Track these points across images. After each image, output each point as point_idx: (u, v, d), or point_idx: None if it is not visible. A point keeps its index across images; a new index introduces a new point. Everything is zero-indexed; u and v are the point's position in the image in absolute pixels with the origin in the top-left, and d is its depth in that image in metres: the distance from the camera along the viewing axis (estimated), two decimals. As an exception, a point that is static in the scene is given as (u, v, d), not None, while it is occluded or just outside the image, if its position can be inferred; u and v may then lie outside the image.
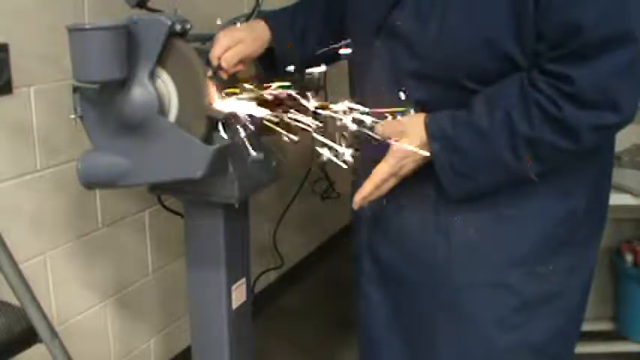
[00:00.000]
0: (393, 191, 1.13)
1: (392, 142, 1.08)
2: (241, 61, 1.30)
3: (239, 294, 1.54)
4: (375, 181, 1.10)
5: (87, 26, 1.13)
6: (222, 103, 1.21)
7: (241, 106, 1.19)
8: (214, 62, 1.27)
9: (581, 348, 1.29)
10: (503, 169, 1.05)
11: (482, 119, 1.03)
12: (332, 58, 1.44)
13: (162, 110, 1.21)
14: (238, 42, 1.28)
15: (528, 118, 1.00)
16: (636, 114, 1.00)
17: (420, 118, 1.09)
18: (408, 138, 1.08)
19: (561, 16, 0.96)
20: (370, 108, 1.10)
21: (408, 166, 1.10)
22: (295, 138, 1.14)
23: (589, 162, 1.12)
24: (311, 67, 1.48)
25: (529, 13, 0.98)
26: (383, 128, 1.09)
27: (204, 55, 1.27)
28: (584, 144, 1.01)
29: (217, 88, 1.22)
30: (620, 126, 1.02)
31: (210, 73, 1.24)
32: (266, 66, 1.38)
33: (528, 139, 1.01)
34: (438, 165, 1.07)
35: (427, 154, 1.08)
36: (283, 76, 1.39)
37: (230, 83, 1.27)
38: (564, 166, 1.09)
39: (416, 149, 1.07)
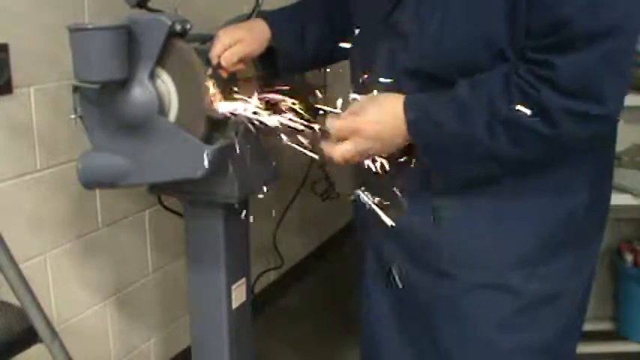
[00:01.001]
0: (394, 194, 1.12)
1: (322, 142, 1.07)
2: (241, 60, 1.30)
3: (239, 294, 1.54)
4: (340, 129, 1.07)
5: (88, 26, 1.13)
6: (222, 103, 1.21)
7: (241, 106, 1.19)
8: (214, 61, 1.27)
9: (581, 348, 1.29)
10: (477, 146, 1.03)
11: (462, 97, 1.03)
12: (332, 59, 1.44)
13: (162, 110, 1.21)
14: (238, 41, 1.28)
15: (508, 100, 0.99)
16: (621, 111, 0.99)
17: (397, 95, 1.08)
18: (385, 101, 1.07)
19: (549, 9, 0.96)
20: None
21: (387, 135, 1.07)
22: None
23: (589, 162, 1.12)
24: (311, 67, 1.49)
25: (522, 10, 0.98)
26: (339, 124, 1.07)
27: (204, 55, 1.27)
28: (563, 131, 0.99)
29: (217, 87, 1.22)
30: (605, 120, 1.00)
31: (209, 71, 1.24)
32: (266, 65, 1.38)
33: (506, 119, 1.00)
34: (413, 135, 1.05)
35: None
36: (283, 75, 1.39)
37: (230, 82, 1.27)
38: (553, 159, 1.07)
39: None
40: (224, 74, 1.28)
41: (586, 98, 0.97)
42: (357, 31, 1.23)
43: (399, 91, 1.08)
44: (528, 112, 0.98)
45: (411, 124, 1.05)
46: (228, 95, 1.22)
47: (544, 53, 0.97)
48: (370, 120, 1.06)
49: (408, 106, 1.05)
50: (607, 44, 0.94)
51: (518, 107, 0.98)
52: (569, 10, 0.94)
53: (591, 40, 0.94)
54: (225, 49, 1.27)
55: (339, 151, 1.07)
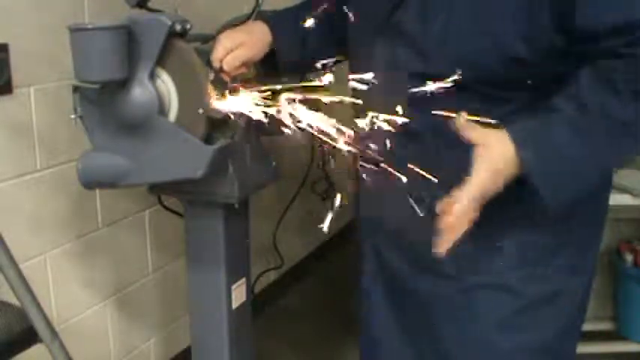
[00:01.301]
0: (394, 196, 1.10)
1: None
2: (243, 64, 1.30)
3: (239, 294, 1.54)
4: (463, 206, 0.94)
5: (88, 26, 1.13)
6: (223, 103, 1.21)
7: (241, 105, 1.19)
8: (216, 65, 1.26)
9: (581, 348, 1.29)
10: (606, 159, 0.99)
11: (571, 114, 0.96)
12: (332, 61, 1.44)
13: (162, 110, 1.21)
14: (240, 45, 1.28)
15: (619, 101, 0.95)
16: None
17: (496, 129, 0.97)
18: (495, 150, 0.95)
19: (616, 14, 0.95)
20: (371, 108, 1.09)
21: (500, 185, 0.96)
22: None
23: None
24: (312, 68, 1.49)
25: (541, 9, 0.97)
26: (472, 130, 0.96)
27: (205, 56, 1.27)
28: None
29: (219, 90, 1.21)
30: None
31: (212, 76, 1.24)
32: (267, 68, 1.38)
33: (625, 121, 0.96)
34: (534, 176, 0.95)
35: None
36: (283, 77, 1.39)
37: (232, 85, 1.27)
38: None
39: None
40: (226, 78, 1.28)
41: None
42: (357, 31, 1.23)
43: (399, 92, 1.08)
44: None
45: (528, 164, 0.95)
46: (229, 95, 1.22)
47: (630, 48, 0.94)
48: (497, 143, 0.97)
49: (520, 143, 0.96)
50: None
51: (632, 104, 0.95)
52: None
53: None
54: (227, 53, 1.27)
55: (468, 185, 0.94)
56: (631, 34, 0.95)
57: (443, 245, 0.95)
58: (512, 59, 1.01)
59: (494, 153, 0.95)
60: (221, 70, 1.27)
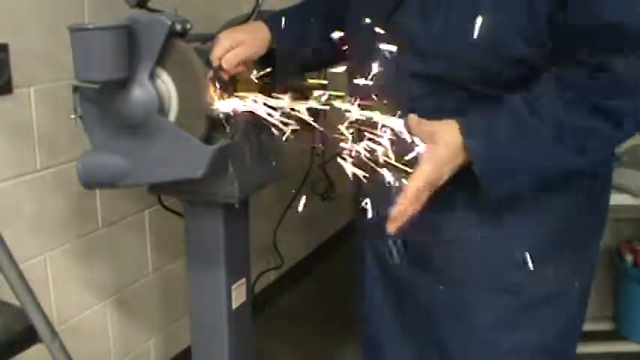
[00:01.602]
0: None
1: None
2: (242, 63, 1.29)
3: (239, 294, 1.54)
4: (411, 194, 1.00)
5: (88, 26, 1.13)
6: (223, 103, 1.21)
7: (241, 105, 1.19)
8: (215, 63, 1.26)
9: (581, 348, 1.29)
10: (547, 161, 1.02)
11: (521, 113, 1.00)
12: (332, 61, 1.44)
13: (162, 110, 1.21)
14: (239, 43, 1.28)
15: (571, 111, 0.98)
16: None
17: (449, 121, 1.03)
18: (442, 142, 1.01)
19: (607, 14, 0.95)
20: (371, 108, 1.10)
21: (446, 175, 1.02)
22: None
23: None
24: (311, 68, 1.49)
25: (543, 12, 0.97)
26: (416, 124, 1.02)
27: (205, 55, 1.27)
28: (628, 133, 0.99)
29: (218, 89, 1.21)
30: None
31: (211, 74, 1.24)
32: (266, 67, 1.38)
33: (574, 131, 0.98)
34: (477, 165, 1.01)
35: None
36: (283, 76, 1.39)
37: (231, 84, 1.27)
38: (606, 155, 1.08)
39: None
40: (225, 77, 1.28)
41: None
42: (357, 32, 1.23)
43: (400, 91, 1.08)
44: (595, 119, 0.97)
45: (472, 152, 1.01)
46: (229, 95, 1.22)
47: (601, 56, 0.96)
48: (445, 134, 1.02)
49: (465, 132, 1.01)
50: None
51: (585, 116, 0.97)
52: (625, 15, 0.94)
53: None
54: (226, 52, 1.27)
55: (408, 185, 1.00)
56: (609, 41, 0.96)
57: (391, 227, 1.03)
58: (512, 59, 1.01)
59: (439, 145, 1.01)
60: (220, 68, 1.27)
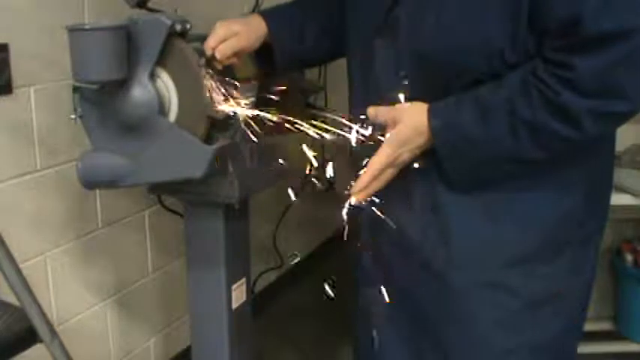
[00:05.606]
0: (391, 189, 1.12)
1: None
2: (236, 54, 1.29)
3: (239, 294, 1.54)
4: (372, 173, 1.08)
5: (87, 26, 1.13)
6: (222, 103, 1.21)
7: (241, 106, 1.19)
8: (208, 52, 1.26)
9: (581, 348, 1.29)
10: (502, 150, 1.04)
11: (485, 102, 1.02)
12: (331, 56, 1.44)
13: (162, 110, 1.21)
14: (234, 34, 1.27)
15: (529, 104, 0.99)
16: None
17: (419, 103, 1.08)
18: (402, 124, 1.07)
19: (562, 8, 0.95)
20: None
21: (405, 155, 1.09)
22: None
23: (589, 161, 1.12)
24: (309, 64, 1.49)
25: (523, 9, 0.98)
26: (376, 112, 1.09)
27: (205, 56, 1.27)
28: (587, 132, 0.99)
29: (215, 85, 1.21)
30: (630, 115, 0.99)
31: (202, 62, 1.23)
32: (263, 62, 1.38)
33: (529, 123, 1.00)
34: (438, 144, 1.06)
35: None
36: (281, 73, 1.39)
37: (223, 75, 1.26)
38: (570, 155, 1.08)
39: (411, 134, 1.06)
40: (218, 67, 1.27)
41: (609, 97, 0.96)
42: (355, 31, 1.23)
43: (400, 90, 1.08)
44: (551, 115, 0.98)
45: (435, 132, 1.05)
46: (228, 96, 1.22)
47: (561, 54, 0.96)
48: (410, 117, 1.07)
49: (432, 113, 1.06)
50: (624, 44, 0.93)
51: (541, 111, 0.98)
52: (581, 9, 0.93)
53: (606, 39, 0.93)
54: (221, 42, 1.26)
55: (370, 164, 1.08)
56: (564, 38, 0.95)
57: (354, 198, 1.13)
58: (500, 59, 1.01)
59: (400, 126, 1.07)
60: (213, 58, 1.26)
